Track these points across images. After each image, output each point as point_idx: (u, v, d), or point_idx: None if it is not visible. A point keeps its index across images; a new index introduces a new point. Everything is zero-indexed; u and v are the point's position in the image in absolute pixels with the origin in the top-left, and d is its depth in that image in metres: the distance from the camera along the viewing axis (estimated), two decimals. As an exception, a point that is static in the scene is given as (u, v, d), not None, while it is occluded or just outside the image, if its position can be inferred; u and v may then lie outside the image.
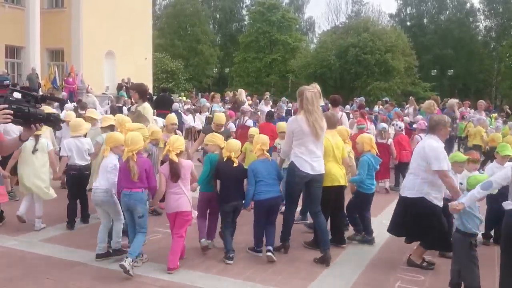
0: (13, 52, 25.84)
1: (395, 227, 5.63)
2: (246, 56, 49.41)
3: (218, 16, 62.59)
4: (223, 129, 7.71)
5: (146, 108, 7.68)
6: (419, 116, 12.59)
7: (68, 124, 6.95)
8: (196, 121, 15.03)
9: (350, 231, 6.48)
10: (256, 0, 52.99)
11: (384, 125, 10.02)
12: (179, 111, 15.48)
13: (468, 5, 54.48)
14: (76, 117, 7.85)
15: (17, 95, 3.26)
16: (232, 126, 11.34)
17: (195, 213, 5.18)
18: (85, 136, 6.76)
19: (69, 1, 26.23)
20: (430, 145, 5.26)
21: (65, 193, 6.68)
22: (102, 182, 5.21)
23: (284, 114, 16.90)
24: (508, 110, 20.09)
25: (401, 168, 9.56)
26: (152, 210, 7.11)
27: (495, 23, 53.26)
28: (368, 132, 10.04)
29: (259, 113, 16.33)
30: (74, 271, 4.90)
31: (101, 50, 26.89)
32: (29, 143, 6.19)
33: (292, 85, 45.62)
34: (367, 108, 19.41)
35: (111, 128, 6.49)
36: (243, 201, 5.48)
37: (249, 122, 12.06)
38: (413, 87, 42.83)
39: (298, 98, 5.61)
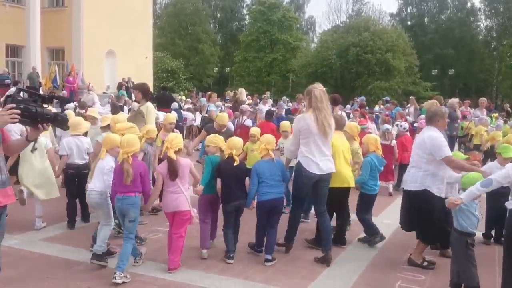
0: (13, 51, 25.84)
1: (403, 223, 5.62)
2: (247, 55, 49.41)
3: (218, 15, 62.60)
4: (225, 129, 7.69)
5: (149, 107, 7.69)
6: (423, 116, 12.56)
7: None
8: (197, 120, 15.04)
9: (354, 231, 6.48)
10: (257, -1, 53.04)
11: (388, 126, 9.92)
12: (179, 109, 15.51)
13: (469, 4, 54.52)
14: (76, 116, 7.84)
15: (24, 94, 3.26)
16: (230, 126, 11.31)
17: (194, 212, 5.11)
18: (85, 135, 6.75)
19: (70, 0, 26.24)
20: (430, 136, 5.25)
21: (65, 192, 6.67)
22: (97, 184, 5.09)
23: (284, 114, 16.87)
24: (509, 109, 20.04)
25: (403, 169, 9.46)
26: (152, 208, 7.09)
27: (496, 22, 53.27)
28: (369, 132, 10.03)
29: (256, 112, 16.26)
30: (74, 271, 4.90)
31: (101, 49, 26.89)
32: None
33: (293, 84, 45.66)
34: (367, 108, 19.43)
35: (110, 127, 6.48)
36: (243, 201, 5.39)
37: (248, 122, 12.05)
38: (413, 87, 42.84)
39: (306, 97, 5.55)
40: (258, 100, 21.71)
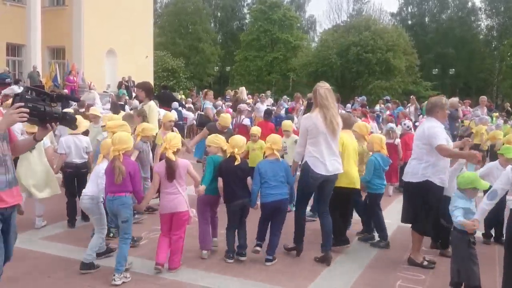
0: (14, 50, 25.85)
1: (405, 216, 5.60)
2: (247, 54, 49.36)
3: (219, 14, 62.55)
4: (226, 129, 7.72)
5: (152, 106, 7.73)
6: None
7: None
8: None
9: (355, 231, 6.49)
10: (257, -2, 53.00)
11: (392, 124, 9.86)
12: (179, 108, 15.50)
13: (469, 4, 54.44)
14: (75, 114, 7.83)
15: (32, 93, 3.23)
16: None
17: (193, 212, 5.07)
18: (86, 134, 6.74)
19: (71, -1, 26.28)
20: (429, 126, 5.27)
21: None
22: (91, 188, 5.03)
23: (284, 113, 16.87)
24: (509, 108, 20.05)
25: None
26: (148, 207, 7.09)
27: (496, 22, 53.20)
28: (371, 132, 10.01)
29: (254, 111, 16.20)
30: (75, 270, 4.90)
31: (102, 48, 26.89)
32: None
33: (293, 83, 45.63)
34: (367, 107, 19.42)
35: None
36: (246, 200, 5.31)
37: (246, 121, 12.05)
38: (414, 86, 42.81)
39: (313, 97, 5.51)
40: (259, 100, 21.72)
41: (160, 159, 5.27)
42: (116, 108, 11.25)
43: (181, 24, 52.99)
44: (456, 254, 4.49)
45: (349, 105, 21.26)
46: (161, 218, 5.03)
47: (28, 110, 3.05)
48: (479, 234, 6.30)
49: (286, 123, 8.52)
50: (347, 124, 5.95)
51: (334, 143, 5.32)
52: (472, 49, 50.71)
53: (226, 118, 7.89)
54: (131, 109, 14.26)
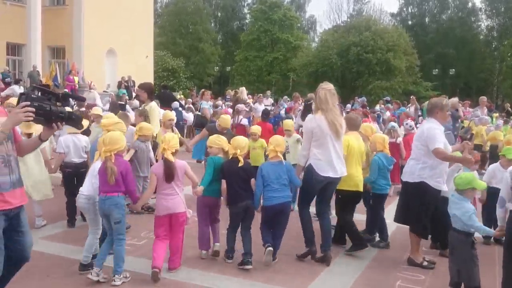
0: (14, 49, 25.86)
1: (397, 214, 5.63)
2: (248, 54, 49.39)
3: (219, 14, 62.58)
4: (226, 130, 7.74)
5: (153, 106, 7.79)
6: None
7: None
8: (197, 120, 15.01)
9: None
10: (258, -2, 53.03)
11: (394, 123, 9.85)
12: (179, 109, 15.50)
13: (470, 4, 54.49)
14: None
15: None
16: None
17: (190, 212, 5.00)
18: (87, 133, 6.73)
19: (71, -1, 26.28)
20: (429, 128, 5.28)
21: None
22: (86, 187, 4.95)
23: (283, 113, 16.88)
24: (510, 109, 20.05)
25: None
26: (147, 207, 7.09)
27: (496, 22, 53.25)
28: None
29: (253, 111, 16.20)
30: (75, 269, 4.89)
31: (102, 48, 26.90)
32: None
33: (293, 84, 45.63)
34: (368, 108, 19.41)
35: None
36: (250, 202, 5.20)
37: (244, 121, 12.06)
38: (414, 86, 42.82)
39: (314, 98, 5.48)
40: (264, 99, 21.75)
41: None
42: (115, 108, 11.24)
43: (182, 24, 53.01)
44: (457, 255, 4.47)
45: (349, 105, 21.27)
46: (157, 221, 4.88)
47: (34, 110, 3.02)
48: (478, 234, 6.31)
49: (288, 122, 8.54)
50: (355, 125, 5.90)
51: (339, 145, 5.28)
52: (472, 50, 50.75)
53: (226, 119, 7.92)
54: (133, 109, 14.25)
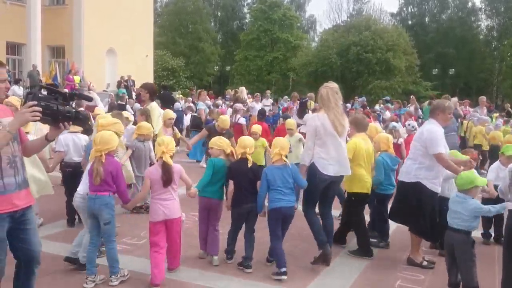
0: (14, 49, 25.87)
1: (392, 212, 5.68)
2: (247, 54, 49.35)
3: (219, 13, 62.55)
4: (225, 130, 7.78)
5: (153, 106, 7.86)
6: None
7: None
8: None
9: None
10: (258, -2, 53.00)
11: (395, 123, 9.77)
12: (180, 109, 15.50)
13: (469, 4, 54.49)
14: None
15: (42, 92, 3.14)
16: None
17: (183, 215, 4.91)
18: (88, 133, 6.73)
19: (71, -2, 26.28)
20: (429, 129, 5.28)
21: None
22: (82, 187, 4.88)
23: (280, 113, 16.89)
24: (510, 109, 20.04)
25: None
26: (146, 207, 7.08)
27: (496, 22, 53.26)
28: None
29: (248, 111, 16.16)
30: (75, 269, 4.89)
31: (102, 47, 26.89)
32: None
33: (293, 83, 45.62)
34: (367, 107, 19.41)
35: None
36: (255, 204, 5.06)
37: (242, 120, 12.08)
38: (414, 86, 42.81)
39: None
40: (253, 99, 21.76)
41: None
42: (113, 109, 11.27)
43: (181, 24, 52.99)
44: (459, 256, 4.47)
45: (348, 105, 21.26)
46: (153, 228, 4.67)
47: (41, 109, 2.97)
48: (478, 234, 6.33)
49: (290, 122, 8.56)
50: (362, 126, 5.86)
51: (340, 144, 5.21)
52: (472, 49, 50.73)
53: (225, 120, 7.97)
54: (132, 108, 14.28)
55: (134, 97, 21.26)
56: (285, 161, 5.00)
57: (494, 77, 52.06)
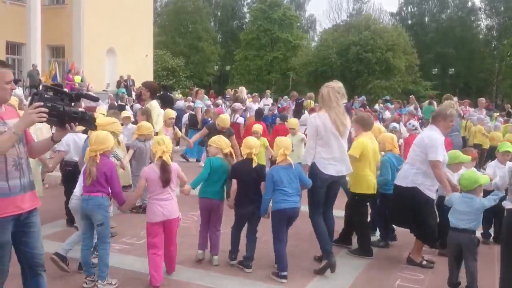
0: (14, 48, 25.88)
1: (392, 217, 5.69)
2: (247, 53, 49.39)
3: (219, 13, 62.56)
4: (225, 129, 7.79)
5: (153, 105, 7.91)
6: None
7: None
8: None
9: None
10: (257, -3, 53.00)
11: (395, 124, 9.75)
12: (182, 108, 15.51)
13: (469, 4, 54.55)
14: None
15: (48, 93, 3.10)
16: None
17: (180, 215, 4.82)
18: (87, 132, 6.72)
19: (70, -2, 26.28)
20: (430, 136, 5.28)
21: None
22: (78, 188, 4.80)
23: (277, 112, 16.91)
24: (510, 110, 20.07)
25: None
26: (144, 207, 7.08)
27: (496, 22, 53.31)
28: None
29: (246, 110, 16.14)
30: (74, 268, 4.88)
31: (102, 47, 26.90)
32: None
33: (293, 83, 45.64)
34: (367, 107, 19.39)
35: None
36: (259, 206, 4.97)
37: (240, 120, 12.08)
38: (414, 86, 42.89)
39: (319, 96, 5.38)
40: (259, 99, 21.75)
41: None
42: (114, 109, 11.28)
43: (181, 23, 53.03)
44: (466, 256, 4.53)
45: (348, 104, 21.22)
46: (152, 229, 4.57)
47: (47, 110, 2.94)
48: (478, 234, 6.32)
49: (292, 121, 8.57)
50: (368, 125, 5.81)
51: (341, 143, 5.15)
52: (472, 49, 50.77)
53: (225, 119, 7.97)
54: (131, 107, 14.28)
55: (133, 96, 21.28)
56: (289, 160, 4.92)
57: (493, 76, 52.11)
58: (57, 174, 7.98)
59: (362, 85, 41.25)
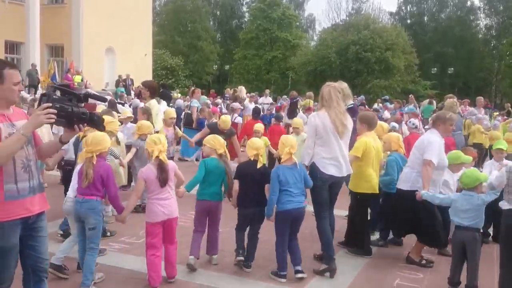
0: (12, 47, 25.85)
1: (395, 228, 5.72)
2: (246, 53, 49.41)
3: (218, 12, 62.52)
4: (226, 130, 7.84)
5: (152, 104, 7.97)
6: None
7: None
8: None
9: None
10: (257, -3, 52.97)
11: (395, 124, 9.69)
12: (182, 108, 15.49)
13: (468, 3, 54.58)
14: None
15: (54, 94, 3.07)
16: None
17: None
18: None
19: (69, -3, 26.25)
20: (429, 139, 5.33)
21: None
22: (71, 190, 4.73)
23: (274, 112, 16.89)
24: (510, 109, 20.08)
25: None
26: (143, 206, 7.07)
27: (495, 21, 53.34)
28: None
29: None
30: (73, 268, 4.87)
31: (101, 46, 26.89)
32: None
33: (292, 82, 45.64)
34: (366, 106, 19.36)
35: None
36: (262, 207, 4.91)
37: (238, 119, 12.08)
38: (413, 85, 42.92)
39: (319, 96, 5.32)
40: (258, 98, 21.75)
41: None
42: (113, 108, 11.24)
43: (180, 23, 53.00)
44: (470, 253, 4.55)
45: (355, 105, 21.15)
46: (152, 229, 4.51)
47: (55, 111, 2.90)
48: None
49: (297, 121, 8.54)
50: (371, 124, 5.77)
51: (341, 143, 5.09)
52: (471, 49, 50.78)
53: (226, 121, 8.02)
54: (130, 106, 14.26)
55: (132, 96, 21.25)
56: (295, 160, 4.84)
57: (493, 76, 52.14)
58: (56, 173, 7.98)
59: (362, 85, 41.25)
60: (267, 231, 5.16)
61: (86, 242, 4.43)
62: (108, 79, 26.99)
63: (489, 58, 52.09)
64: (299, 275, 4.81)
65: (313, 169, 5.05)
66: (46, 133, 7.40)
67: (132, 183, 7.73)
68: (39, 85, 20.52)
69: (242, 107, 15.20)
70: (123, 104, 15.30)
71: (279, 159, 5.53)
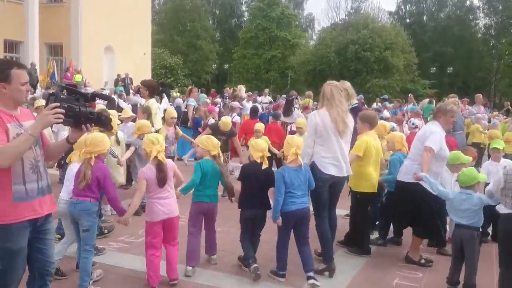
0: (11, 46, 25.79)
1: (394, 213, 5.72)
2: (246, 52, 49.36)
3: (217, 11, 62.48)
4: (227, 130, 7.88)
5: (150, 103, 7.96)
6: None
7: None
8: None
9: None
10: (256, -4, 52.93)
11: (394, 124, 9.68)
12: (181, 107, 15.49)
13: (468, 2, 54.56)
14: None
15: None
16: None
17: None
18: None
19: (68, -4, 26.23)
20: (430, 129, 5.35)
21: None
22: (65, 192, 4.70)
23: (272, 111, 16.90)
24: (510, 107, 20.10)
25: None
26: (143, 206, 7.07)
27: (494, 21, 53.34)
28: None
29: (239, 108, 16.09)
30: (73, 268, 4.87)
31: (100, 45, 26.87)
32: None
33: (292, 81, 45.62)
34: (365, 106, 19.37)
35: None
36: (264, 210, 4.91)
37: (237, 118, 12.07)
38: (412, 85, 42.88)
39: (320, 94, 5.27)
40: (258, 97, 21.74)
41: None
42: (112, 108, 11.25)
43: (179, 22, 52.95)
44: (467, 252, 4.56)
45: (360, 105, 21.13)
46: (152, 229, 4.49)
47: (63, 111, 2.89)
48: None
49: (300, 121, 8.53)
50: (372, 124, 5.75)
51: (343, 143, 5.04)
52: (470, 48, 50.78)
53: (227, 123, 8.03)
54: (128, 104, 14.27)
55: (131, 95, 21.24)
56: (300, 161, 4.75)
57: (492, 75, 52.14)
58: (55, 172, 7.97)
59: (361, 84, 41.15)
60: (267, 231, 5.15)
61: (80, 245, 4.42)
62: (107, 78, 26.95)
63: (488, 57, 52.09)
64: (311, 282, 4.68)
65: (313, 169, 4.99)
66: (46, 131, 7.36)
67: (133, 183, 7.73)
68: (38, 84, 20.48)
69: (241, 106, 15.20)
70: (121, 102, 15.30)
71: (280, 159, 5.51)
